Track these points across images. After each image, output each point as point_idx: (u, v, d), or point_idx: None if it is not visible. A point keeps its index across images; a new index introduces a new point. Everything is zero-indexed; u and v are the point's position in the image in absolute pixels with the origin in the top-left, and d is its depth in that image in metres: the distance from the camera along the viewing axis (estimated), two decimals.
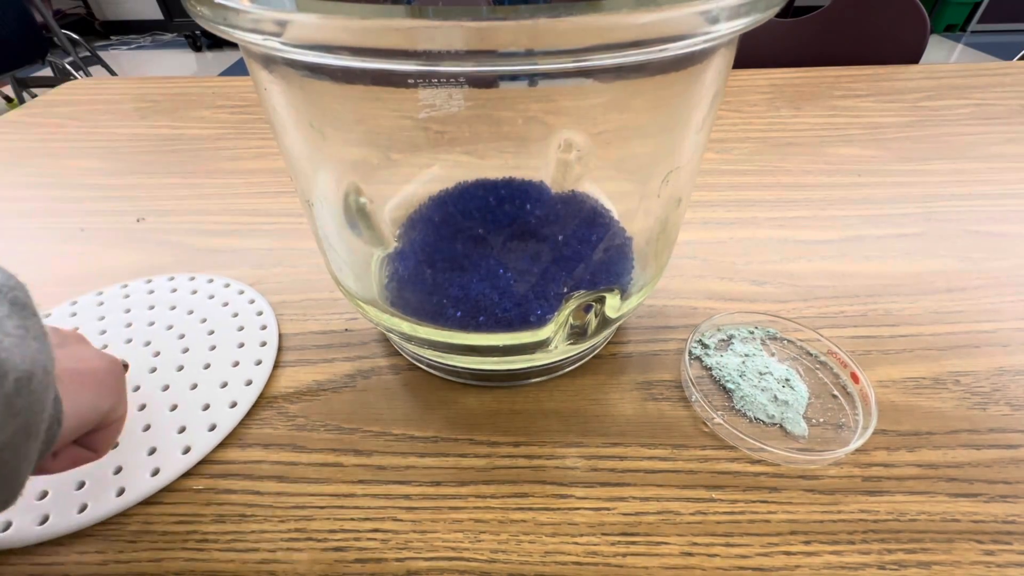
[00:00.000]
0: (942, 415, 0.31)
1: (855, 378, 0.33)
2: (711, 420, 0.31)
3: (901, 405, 0.32)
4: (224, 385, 0.33)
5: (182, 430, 0.31)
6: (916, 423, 0.31)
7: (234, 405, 0.32)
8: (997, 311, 0.38)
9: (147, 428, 0.31)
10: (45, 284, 0.42)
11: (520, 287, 0.29)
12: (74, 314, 0.39)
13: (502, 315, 0.29)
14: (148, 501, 0.28)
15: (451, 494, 0.28)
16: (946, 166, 0.54)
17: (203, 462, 0.30)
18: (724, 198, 0.51)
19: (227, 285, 0.41)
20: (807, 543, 0.26)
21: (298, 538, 0.27)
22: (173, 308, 0.39)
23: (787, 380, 0.33)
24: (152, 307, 0.39)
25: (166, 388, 0.33)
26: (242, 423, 0.32)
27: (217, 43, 3.11)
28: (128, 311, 0.39)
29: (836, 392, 0.33)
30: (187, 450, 0.30)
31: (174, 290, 0.41)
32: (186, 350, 0.36)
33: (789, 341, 0.36)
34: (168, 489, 0.29)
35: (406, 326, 0.30)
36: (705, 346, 0.36)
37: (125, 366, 0.29)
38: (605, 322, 0.31)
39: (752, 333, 0.37)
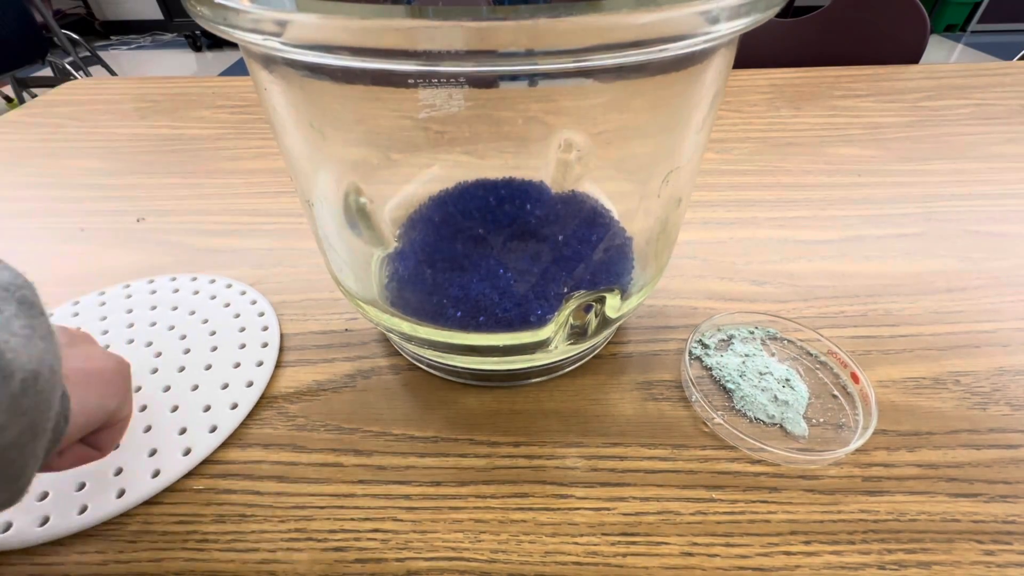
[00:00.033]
0: (942, 415, 0.31)
1: (855, 378, 0.33)
2: (711, 420, 0.31)
3: (901, 405, 0.32)
4: (225, 386, 0.33)
5: (183, 431, 0.31)
6: (916, 423, 0.31)
7: (235, 406, 0.32)
8: (997, 311, 0.38)
9: (148, 429, 0.31)
10: (45, 284, 0.41)
11: (520, 287, 0.29)
12: (76, 314, 0.39)
13: (502, 315, 0.29)
14: (148, 501, 0.28)
15: (451, 494, 0.28)
16: (946, 166, 0.54)
17: (203, 462, 0.30)
18: (724, 198, 0.51)
19: (229, 286, 0.41)
20: (807, 543, 0.26)
21: (298, 538, 0.27)
22: (175, 308, 0.39)
23: (787, 380, 0.33)
24: (154, 307, 0.39)
25: (167, 389, 0.33)
26: (242, 423, 0.32)
27: (217, 43, 3.11)
28: (130, 311, 0.39)
29: (836, 392, 0.33)
30: (187, 452, 0.30)
31: (176, 290, 0.41)
32: (187, 351, 0.36)
33: (789, 341, 0.36)
34: (168, 489, 0.29)
35: (406, 326, 0.30)
36: (705, 346, 0.36)
37: None
38: (605, 322, 0.31)
39: (752, 333, 0.37)
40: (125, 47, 3.17)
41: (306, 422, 0.32)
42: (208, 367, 0.35)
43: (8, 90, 1.91)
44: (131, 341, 0.36)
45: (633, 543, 0.26)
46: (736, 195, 0.51)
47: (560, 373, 0.34)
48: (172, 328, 0.37)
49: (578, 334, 0.30)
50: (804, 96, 0.69)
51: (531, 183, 0.32)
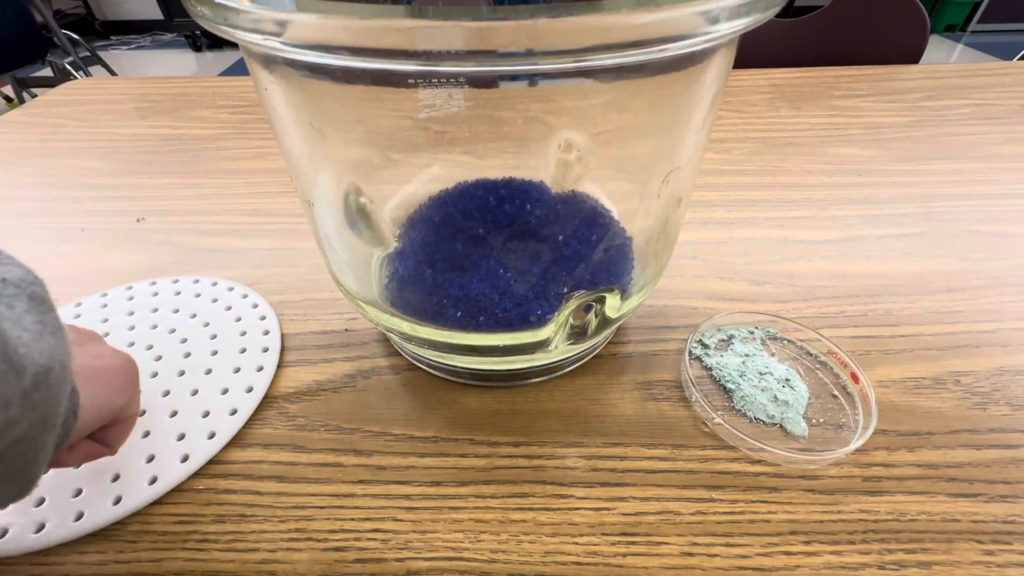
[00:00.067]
0: (942, 415, 0.31)
1: (855, 378, 0.33)
2: (711, 420, 0.31)
3: (901, 405, 0.32)
4: (225, 391, 0.33)
5: (181, 437, 0.30)
6: (916, 423, 0.31)
7: (234, 412, 0.32)
8: (997, 311, 0.38)
9: (147, 435, 0.31)
10: (45, 284, 0.42)
11: (520, 287, 0.29)
12: (79, 315, 0.39)
13: (502, 315, 0.29)
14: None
15: (451, 494, 0.28)
16: (946, 166, 0.54)
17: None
18: (724, 198, 0.51)
19: (231, 288, 0.41)
20: (807, 543, 0.26)
21: (298, 538, 0.27)
22: (176, 311, 0.39)
23: (787, 380, 0.33)
24: (155, 310, 0.39)
25: (167, 394, 0.33)
26: (242, 424, 0.32)
27: (217, 43, 3.11)
28: (132, 313, 0.39)
29: (836, 392, 0.33)
30: (185, 458, 0.29)
31: (178, 293, 0.40)
32: (188, 355, 0.36)
33: (789, 341, 0.36)
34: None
35: (406, 326, 0.30)
36: (705, 346, 0.36)
37: None
38: (605, 322, 0.31)
39: (752, 333, 0.37)
40: (125, 47, 3.17)
41: (306, 422, 0.32)
42: (208, 371, 0.34)
43: (8, 90, 1.91)
44: (132, 344, 0.36)
45: (633, 543, 0.26)
46: (736, 195, 0.51)
47: (560, 373, 0.34)
48: (173, 331, 0.37)
49: (578, 334, 0.30)
50: (804, 96, 0.69)
51: (531, 183, 0.32)
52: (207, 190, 0.54)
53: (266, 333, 0.37)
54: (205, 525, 0.27)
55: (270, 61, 0.22)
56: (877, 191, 0.51)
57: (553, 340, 0.29)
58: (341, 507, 0.28)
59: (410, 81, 0.22)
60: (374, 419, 0.32)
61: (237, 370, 0.34)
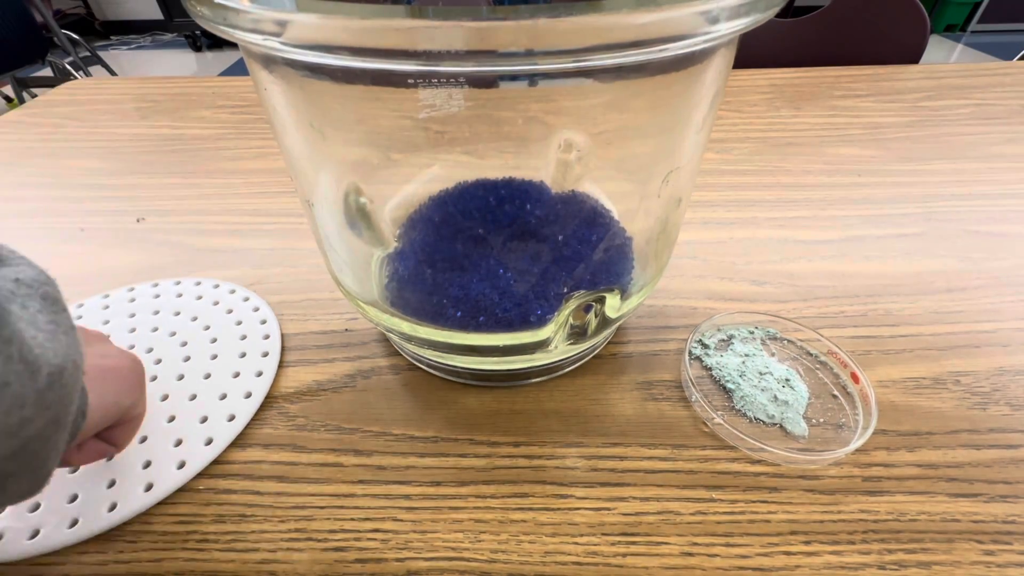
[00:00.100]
0: (942, 415, 0.31)
1: (855, 378, 0.33)
2: (711, 420, 0.31)
3: (901, 405, 0.32)
4: (223, 396, 0.33)
5: (178, 443, 0.30)
6: (916, 423, 0.31)
7: (232, 418, 0.32)
8: (997, 311, 0.38)
9: (144, 440, 0.30)
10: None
11: (520, 287, 0.29)
12: (80, 316, 0.39)
13: (502, 315, 0.29)
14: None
15: (451, 494, 0.28)
16: (946, 166, 0.54)
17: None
18: (724, 198, 0.51)
19: (232, 291, 0.41)
20: (807, 543, 0.26)
21: (298, 538, 0.27)
22: (177, 314, 0.39)
23: (787, 380, 0.33)
24: (156, 312, 0.39)
25: (165, 398, 0.33)
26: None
27: (217, 43, 3.11)
28: (133, 316, 0.39)
29: (836, 392, 0.33)
30: (182, 464, 0.29)
31: (179, 295, 0.40)
32: (187, 358, 0.35)
33: (789, 341, 0.36)
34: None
35: (406, 326, 0.30)
36: (705, 346, 0.36)
37: None
38: (605, 322, 0.31)
39: (752, 333, 0.37)
40: (125, 47, 3.17)
41: (306, 422, 0.32)
42: (207, 376, 0.34)
43: (8, 90, 1.91)
44: (132, 346, 0.36)
45: (633, 543, 0.26)
46: (736, 195, 0.51)
47: (560, 373, 0.34)
48: (173, 334, 0.37)
49: (578, 334, 0.30)
50: (804, 96, 0.69)
51: (531, 183, 0.32)
52: (207, 190, 0.54)
53: (266, 337, 0.37)
54: (205, 525, 0.27)
55: (270, 61, 0.22)
56: (877, 191, 0.51)
57: (553, 340, 0.29)
58: (341, 507, 0.28)
59: (410, 81, 0.22)
60: (374, 419, 0.32)
61: (236, 375, 0.34)
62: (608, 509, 0.28)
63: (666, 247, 0.32)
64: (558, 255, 0.29)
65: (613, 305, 0.30)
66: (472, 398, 0.33)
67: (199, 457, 0.30)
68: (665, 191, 0.28)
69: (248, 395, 0.33)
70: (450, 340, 0.30)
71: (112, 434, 0.26)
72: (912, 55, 0.79)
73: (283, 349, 0.37)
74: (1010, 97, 0.67)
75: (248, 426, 0.32)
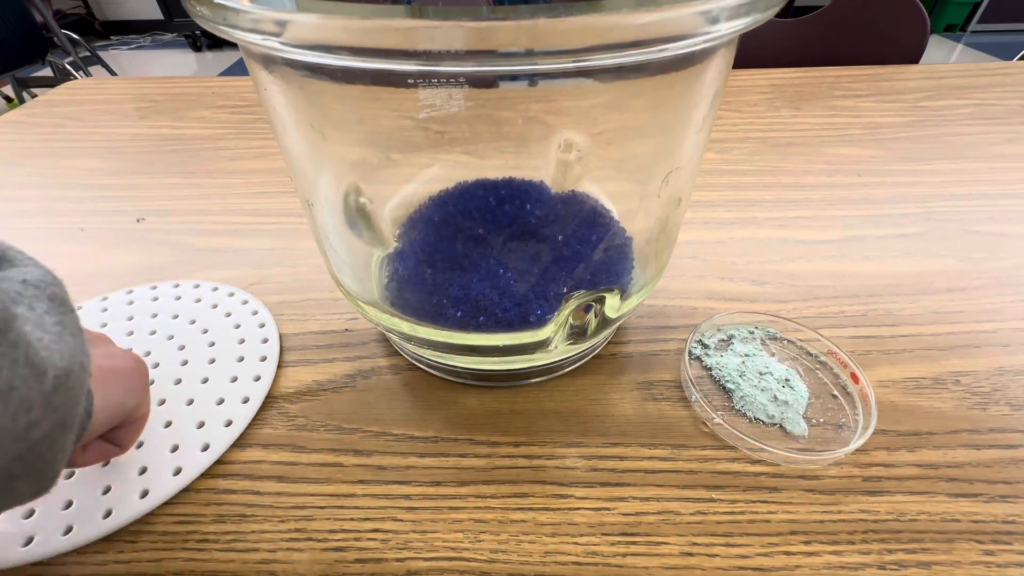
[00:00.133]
0: (942, 415, 0.31)
1: (855, 378, 0.33)
2: (711, 420, 0.31)
3: (901, 405, 0.32)
4: (220, 402, 0.32)
5: (175, 449, 0.30)
6: (916, 423, 0.31)
7: (229, 424, 0.31)
8: (997, 311, 0.38)
9: (140, 446, 0.30)
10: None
11: (520, 287, 0.29)
12: None
13: (502, 315, 0.29)
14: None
15: (451, 494, 0.28)
16: (946, 166, 0.54)
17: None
18: (724, 198, 0.51)
19: (231, 294, 0.40)
20: (807, 543, 0.26)
21: (298, 538, 0.27)
22: (176, 317, 0.38)
23: (787, 380, 0.33)
24: (155, 315, 0.38)
25: (162, 403, 0.32)
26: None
27: (217, 43, 3.11)
28: (131, 319, 0.38)
29: (836, 392, 0.33)
30: (178, 471, 0.29)
31: (178, 298, 0.40)
32: (185, 362, 0.35)
33: (789, 341, 0.36)
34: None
35: (406, 326, 0.30)
36: (705, 346, 0.36)
37: None
38: (605, 322, 0.31)
39: (752, 333, 0.37)
40: (125, 47, 3.17)
41: (306, 422, 0.32)
42: (205, 380, 0.34)
43: (8, 90, 1.91)
44: (130, 350, 0.36)
45: (633, 543, 0.26)
46: (736, 195, 0.51)
47: (560, 373, 0.34)
48: (171, 338, 0.37)
49: (578, 334, 0.30)
50: (804, 96, 0.69)
51: (531, 183, 0.32)
52: (207, 190, 0.54)
53: (264, 341, 0.37)
54: (205, 525, 0.27)
55: (270, 61, 0.22)
56: (877, 191, 0.51)
57: (553, 340, 0.29)
58: (341, 507, 0.28)
59: (410, 81, 0.22)
60: (374, 419, 0.32)
61: (234, 379, 0.34)
62: (608, 509, 0.28)
63: (666, 247, 0.32)
64: (558, 255, 0.29)
65: (613, 305, 0.30)
66: (472, 398, 0.33)
67: (195, 463, 0.29)
68: (665, 191, 0.28)
69: (246, 400, 0.33)
70: (450, 340, 0.30)
71: (117, 435, 0.26)
72: (912, 55, 0.79)
73: (282, 350, 0.36)
74: (1010, 97, 0.67)
75: (248, 426, 0.32)
